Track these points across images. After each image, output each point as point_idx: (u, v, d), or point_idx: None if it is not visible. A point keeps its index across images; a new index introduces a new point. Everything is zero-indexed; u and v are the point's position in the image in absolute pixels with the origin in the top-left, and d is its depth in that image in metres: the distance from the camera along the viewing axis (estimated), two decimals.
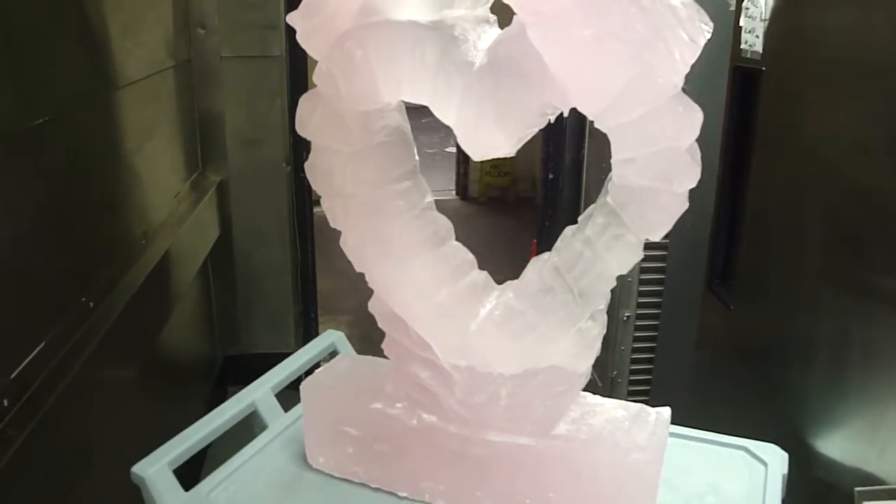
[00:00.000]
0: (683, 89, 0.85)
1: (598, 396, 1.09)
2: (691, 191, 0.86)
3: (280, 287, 2.92)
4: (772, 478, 1.14)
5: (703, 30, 0.83)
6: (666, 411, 1.05)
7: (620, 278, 2.38)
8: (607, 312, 2.37)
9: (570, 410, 1.04)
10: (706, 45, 1.83)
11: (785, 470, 1.15)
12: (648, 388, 2.37)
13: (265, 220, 2.85)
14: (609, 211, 0.87)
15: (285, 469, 1.15)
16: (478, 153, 0.91)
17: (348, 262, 1.04)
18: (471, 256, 1.05)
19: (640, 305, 2.31)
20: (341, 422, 1.09)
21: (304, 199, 2.86)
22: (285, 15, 2.52)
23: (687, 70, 0.83)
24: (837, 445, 1.26)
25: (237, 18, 2.61)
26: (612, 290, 2.46)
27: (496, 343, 0.96)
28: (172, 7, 2.40)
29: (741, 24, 1.49)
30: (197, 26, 2.58)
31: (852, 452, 1.22)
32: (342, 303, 3.64)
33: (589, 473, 0.98)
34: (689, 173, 0.83)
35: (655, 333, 2.31)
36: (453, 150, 6.46)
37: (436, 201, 1.07)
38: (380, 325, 1.06)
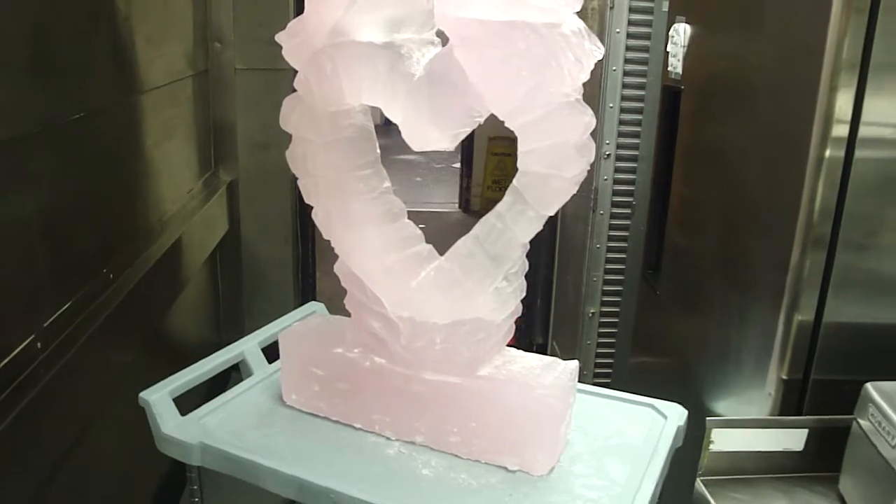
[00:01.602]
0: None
1: (520, 351, 1.33)
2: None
3: (282, 280, 3.18)
4: (668, 427, 1.36)
5: (593, 52, 1.08)
6: (573, 363, 1.28)
7: (587, 277, 2.60)
8: (574, 310, 2.60)
9: (495, 359, 1.28)
10: (649, 67, 2.13)
11: (682, 423, 1.37)
12: (609, 381, 2.59)
13: (270, 218, 3.11)
14: (515, 192, 1.11)
15: (265, 404, 1.40)
16: (417, 145, 1.15)
17: None
18: (419, 233, 1.30)
19: (603, 304, 2.54)
20: (310, 364, 1.34)
21: None
22: None
23: (576, 84, 1.07)
24: (723, 405, 1.49)
25: (251, 35, 2.89)
26: (579, 289, 2.69)
27: (431, 297, 1.20)
28: (193, 23, 2.68)
29: (668, 49, 1.73)
30: (214, 41, 2.86)
31: (736, 411, 1.45)
32: (340, 303, 3.89)
33: (504, 406, 1.21)
34: (575, 163, 1.07)
35: (615, 330, 2.54)
36: (458, 165, 6.71)
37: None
38: (343, 283, 1.31)
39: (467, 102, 1.11)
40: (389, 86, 1.13)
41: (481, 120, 1.16)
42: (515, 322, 1.28)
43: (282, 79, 2.93)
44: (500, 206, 1.13)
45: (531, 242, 1.17)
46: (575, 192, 1.11)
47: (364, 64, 1.14)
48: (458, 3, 1.06)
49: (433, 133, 1.13)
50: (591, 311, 2.56)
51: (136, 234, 2.06)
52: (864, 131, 1.15)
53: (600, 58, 1.10)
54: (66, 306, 1.58)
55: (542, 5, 1.04)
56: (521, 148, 1.09)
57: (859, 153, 1.16)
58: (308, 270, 3.23)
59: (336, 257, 1.30)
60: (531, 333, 3.25)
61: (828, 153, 1.17)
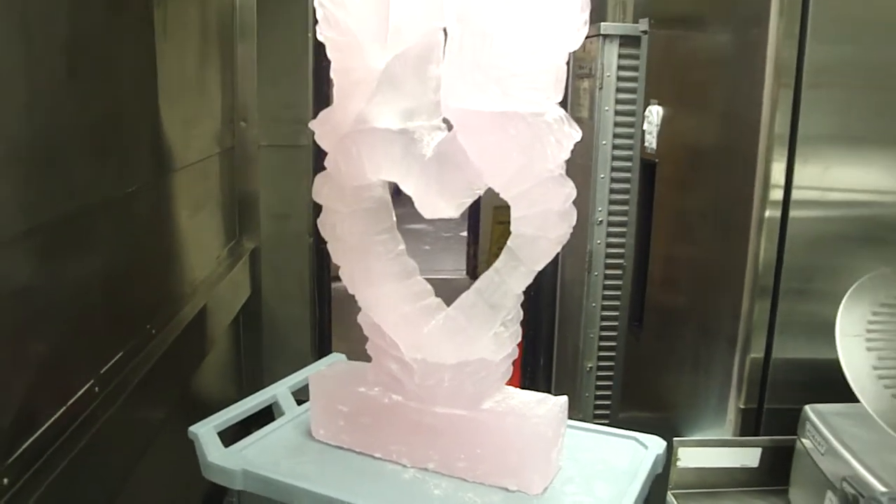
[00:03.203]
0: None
1: (518, 389, 1.53)
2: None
3: (300, 341, 3.39)
4: (648, 456, 1.55)
5: (571, 135, 1.31)
6: (562, 398, 1.49)
7: (584, 333, 2.82)
8: (573, 365, 2.83)
9: (496, 395, 1.49)
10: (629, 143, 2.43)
11: (660, 451, 1.56)
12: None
13: (289, 282, 3.34)
14: (510, 250, 1.34)
15: (296, 439, 1.60)
16: (428, 214, 1.38)
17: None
18: (430, 287, 1.52)
19: (600, 358, 2.74)
20: (336, 401, 1.54)
21: (323, 265, 3.36)
22: (313, 113, 3.09)
23: (557, 161, 1.30)
24: (696, 434, 1.69)
25: (274, 115, 3.17)
26: (577, 346, 2.91)
27: (440, 341, 1.42)
28: (221, 105, 2.96)
29: (644, 127, 1.99)
30: (240, 120, 3.14)
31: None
32: (353, 358, 4.09)
33: (502, 434, 1.41)
34: (558, 226, 1.30)
35: (611, 383, 2.74)
36: (465, 234, 6.96)
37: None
38: (365, 332, 1.52)
39: (468, 178, 1.34)
40: (404, 165, 1.36)
41: (481, 192, 1.39)
42: (521, 377, 1.49)
43: (301, 154, 3.21)
44: (497, 263, 1.36)
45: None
46: (559, 250, 1.33)
47: (383, 147, 1.38)
48: (460, 97, 1.30)
49: (440, 203, 1.36)
50: (589, 365, 2.75)
51: (172, 296, 2.29)
52: (796, 194, 1.38)
53: (578, 139, 1.33)
54: (116, 357, 1.79)
55: (528, 98, 1.28)
56: (514, 214, 1.32)
57: (793, 213, 1.39)
58: (325, 332, 3.44)
59: (354, 314, 1.51)
60: (536, 389, 3.42)
61: (767, 214, 1.40)
